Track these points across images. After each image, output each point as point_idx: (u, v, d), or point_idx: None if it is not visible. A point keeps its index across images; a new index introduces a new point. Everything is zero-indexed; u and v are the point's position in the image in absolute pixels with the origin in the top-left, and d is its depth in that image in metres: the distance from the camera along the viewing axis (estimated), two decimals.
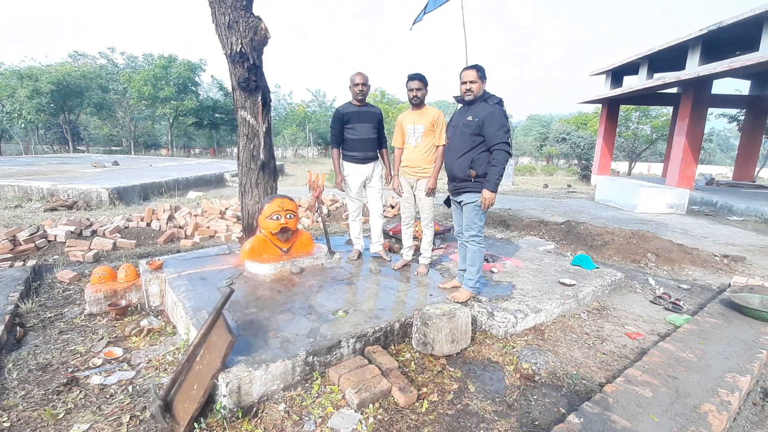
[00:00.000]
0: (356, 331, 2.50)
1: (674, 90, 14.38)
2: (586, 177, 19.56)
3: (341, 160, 3.78)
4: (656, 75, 13.88)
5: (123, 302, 3.21)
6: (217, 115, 28.04)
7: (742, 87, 16.01)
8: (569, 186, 17.05)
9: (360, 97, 3.62)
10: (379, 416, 2.01)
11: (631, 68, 14.50)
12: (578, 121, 29.72)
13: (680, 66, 11.87)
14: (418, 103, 3.34)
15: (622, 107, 21.47)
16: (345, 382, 2.15)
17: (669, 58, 12.62)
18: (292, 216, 3.62)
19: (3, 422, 2.01)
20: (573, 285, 3.54)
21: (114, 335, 2.88)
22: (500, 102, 2.81)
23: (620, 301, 3.66)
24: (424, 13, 5.10)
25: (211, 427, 1.94)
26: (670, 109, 18.09)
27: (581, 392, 2.27)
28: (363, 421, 1.97)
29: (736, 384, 2.19)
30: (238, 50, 3.31)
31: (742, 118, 16.53)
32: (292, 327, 2.52)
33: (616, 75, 15.51)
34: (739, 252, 5.85)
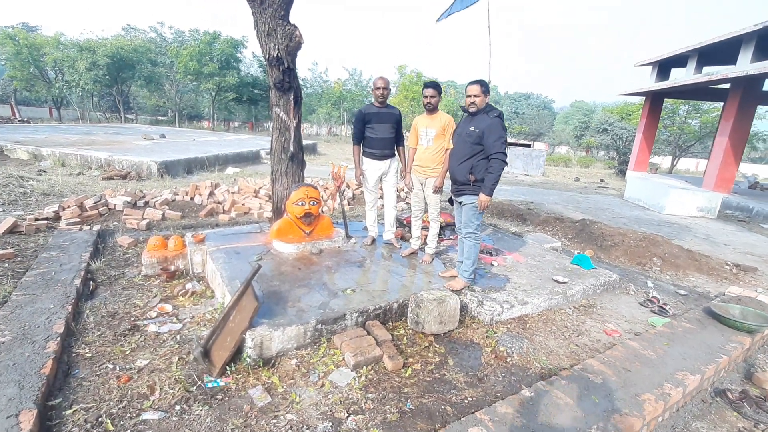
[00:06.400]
0: (360, 307, 2.98)
1: (726, 85, 13.63)
2: (622, 172, 19.03)
3: (361, 155, 4.19)
4: (705, 69, 13.19)
5: (172, 267, 3.85)
6: (255, 91, 28.96)
7: None
8: (602, 181, 16.72)
9: (381, 100, 3.99)
10: (369, 376, 2.50)
11: (679, 61, 13.82)
12: (623, 111, 28.46)
13: (732, 60, 11.26)
14: (431, 108, 3.68)
15: (671, 100, 20.42)
16: (345, 347, 2.64)
17: (720, 52, 11.96)
18: (315, 203, 4.10)
19: (86, 353, 2.64)
20: (565, 282, 3.85)
21: (165, 294, 3.51)
22: (500, 115, 3.11)
23: (610, 301, 3.94)
24: (449, 14, 5.31)
25: (239, 372, 2.48)
26: (722, 104, 17.08)
27: (545, 375, 2.65)
28: (356, 379, 2.46)
29: (683, 381, 2.50)
30: (275, 55, 3.74)
31: None
32: (307, 299, 3.03)
33: (663, 67, 14.80)
34: (756, 262, 5.86)
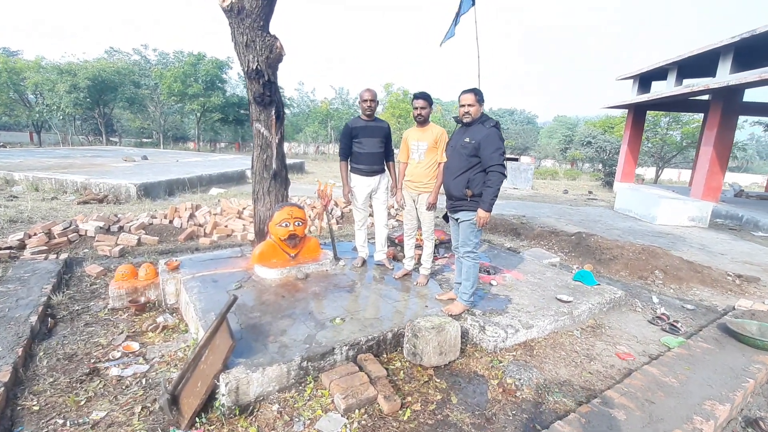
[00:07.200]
0: (350, 339, 2.67)
1: (705, 97, 13.90)
2: (609, 183, 19.15)
3: (349, 172, 3.95)
4: (686, 81, 13.45)
5: (142, 299, 3.49)
6: (242, 111, 28.75)
7: None
8: (590, 193, 16.74)
9: (368, 113, 3.78)
10: (363, 421, 2.18)
11: (660, 74, 14.09)
12: (605, 124, 28.99)
13: (711, 72, 11.48)
14: (422, 121, 3.47)
15: (652, 112, 20.85)
16: (335, 387, 2.32)
17: (699, 64, 12.22)
18: (300, 223, 3.82)
19: (33, 405, 2.28)
20: (570, 302, 3.60)
21: (132, 330, 3.15)
22: (496, 125, 2.91)
23: (617, 320, 3.70)
24: (451, 35, 5.25)
25: (211, 422, 2.15)
26: (701, 115, 17.45)
27: (560, 410, 2.36)
28: (348, 426, 2.14)
29: (713, 412, 2.24)
30: (255, 67, 3.51)
31: None
32: (291, 332, 2.71)
33: (644, 80, 15.08)
34: (756, 272, 5.72)
